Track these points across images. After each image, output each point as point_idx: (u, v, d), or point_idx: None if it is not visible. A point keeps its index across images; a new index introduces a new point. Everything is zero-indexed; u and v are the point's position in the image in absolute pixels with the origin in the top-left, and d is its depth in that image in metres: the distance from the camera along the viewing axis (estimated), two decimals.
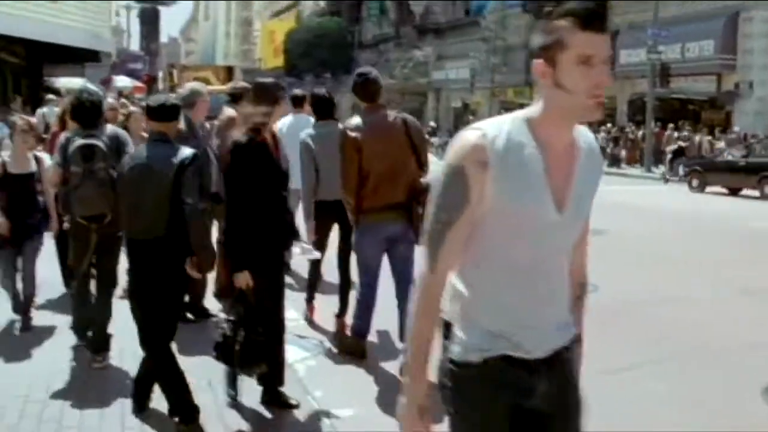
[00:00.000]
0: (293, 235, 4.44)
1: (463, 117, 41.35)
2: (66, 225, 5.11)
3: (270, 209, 3.94)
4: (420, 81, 43.24)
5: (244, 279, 3.80)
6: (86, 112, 4.90)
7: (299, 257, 5.06)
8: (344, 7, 57.81)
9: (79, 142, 4.73)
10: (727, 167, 19.95)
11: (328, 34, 50.54)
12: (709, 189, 20.02)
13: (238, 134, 3.90)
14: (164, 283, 3.83)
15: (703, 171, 20.65)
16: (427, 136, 30.10)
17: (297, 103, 7.59)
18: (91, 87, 7.15)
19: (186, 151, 3.88)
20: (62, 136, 5.23)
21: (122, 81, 33.19)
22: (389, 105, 5.54)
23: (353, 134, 4.73)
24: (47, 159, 5.68)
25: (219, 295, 5.88)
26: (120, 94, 24.97)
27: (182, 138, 4.66)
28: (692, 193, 20.01)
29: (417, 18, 44.63)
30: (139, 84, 36.01)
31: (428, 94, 44.63)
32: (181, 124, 4.80)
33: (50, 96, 18.28)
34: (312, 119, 6.39)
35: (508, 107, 37.63)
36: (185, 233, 3.75)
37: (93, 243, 4.80)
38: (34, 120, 10.52)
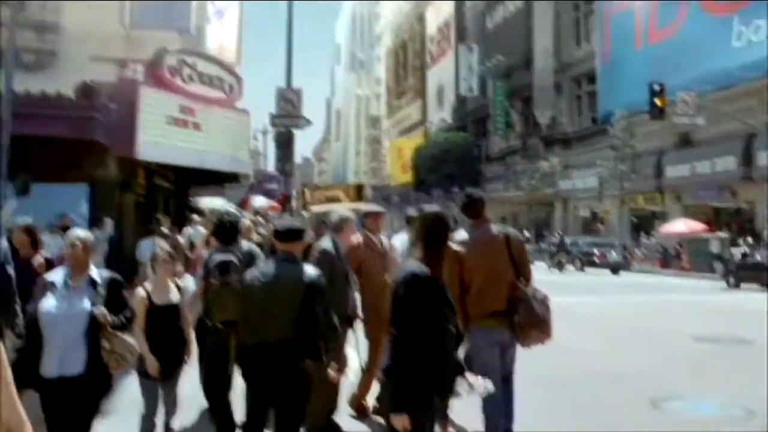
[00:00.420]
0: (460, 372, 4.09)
1: (591, 226, 40.70)
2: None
3: (440, 345, 3.80)
4: (547, 191, 43.11)
5: (401, 421, 3.57)
6: (225, 231, 5.66)
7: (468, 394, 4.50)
8: (470, 121, 59.06)
9: (218, 257, 5.37)
10: None
11: (455, 149, 51.59)
12: None
13: (414, 264, 3.76)
14: (293, 382, 4.19)
15: None
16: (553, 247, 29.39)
17: (412, 222, 8.03)
18: (231, 209, 7.69)
19: (311, 271, 4.39)
20: (205, 253, 5.84)
21: (259, 201, 34.87)
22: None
23: (456, 248, 5.02)
24: (190, 285, 5.78)
25: (356, 410, 6.28)
26: (256, 213, 26.24)
27: (328, 259, 5.33)
28: None
29: (543, 129, 44.94)
30: (274, 203, 37.72)
31: (555, 204, 44.32)
32: (328, 244, 5.58)
33: (195, 216, 19.46)
34: None
35: (638, 214, 36.84)
36: (313, 339, 4.16)
37: (232, 352, 5.03)
38: (180, 239, 11.19)
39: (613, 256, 31.65)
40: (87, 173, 17.64)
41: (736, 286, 22.76)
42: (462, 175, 50.95)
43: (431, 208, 4.28)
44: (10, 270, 5.71)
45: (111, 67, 19.63)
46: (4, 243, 5.88)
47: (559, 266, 31.39)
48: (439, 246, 3.79)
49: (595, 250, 32.38)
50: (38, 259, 6.32)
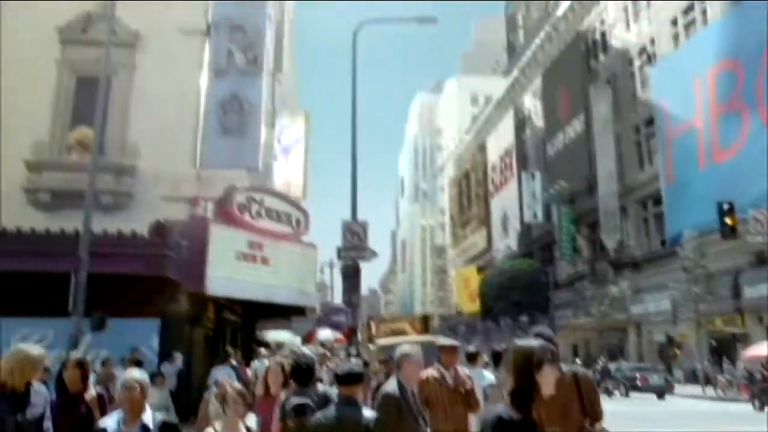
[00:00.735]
0: None
1: (667, 351, 39.20)
2: None
3: None
4: (618, 316, 42.05)
5: None
6: (302, 374, 5.91)
7: None
8: (536, 248, 58.74)
9: (295, 400, 5.60)
10: None
11: (521, 276, 51.15)
12: None
13: (502, 407, 3.61)
14: None
15: None
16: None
17: (471, 358, 8.17)
18: (306, 351, 7.87)
19: (369, 414, 4.62)
20: (283, 394, 6.18)
21: (325, 334, 34.86)
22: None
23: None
24: (253, 424, 5.69)
25: None
26: (322, 345, 26.18)
27: (393, 404, 5.38)
28: None
29: (611, 253, 44.35)
30: (339, 336, 37.62)
31: (628, 329, 43.04)
32: (393, 386, 5.61)
33: (262, 350, 19.52)
34: (486, 373, 6.68)
35: (717, 337, 35.39)
36: None
37: None
38: (248, 372, 11.22)
39: (655, 379, 31.84)
40: (159, 308, 18.00)
41: None
42: (530, 303, 50.24)
43: (524, 341, 4.04)
44: (48, 424, 5.51)
45: (183, 206, 20.35)
46: (43, 389, 5.78)
47: (607, 393, 31.06)
48: (530, 385, 3.55)
49: (638, 375, 32.41)
50: (90, 394, 6.34)
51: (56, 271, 16.06)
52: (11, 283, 16.70)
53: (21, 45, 20.11)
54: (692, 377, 35.33)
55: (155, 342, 18.69)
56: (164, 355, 14.62)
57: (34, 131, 19.68)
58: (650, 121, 41.31)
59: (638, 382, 31.81)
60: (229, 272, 20.38)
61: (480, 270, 68.63)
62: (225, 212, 20.98)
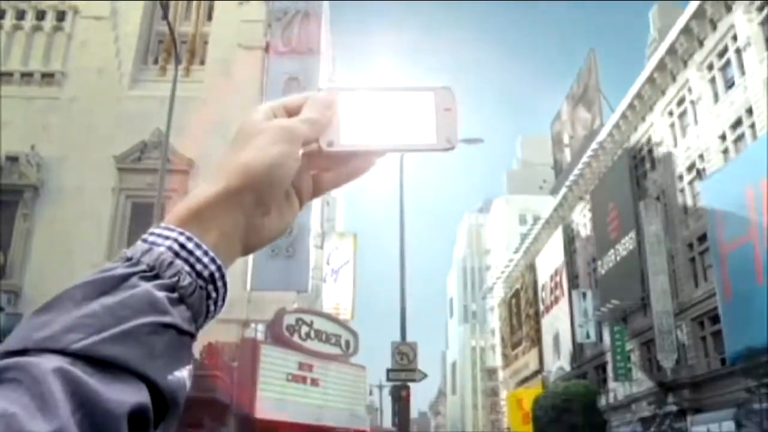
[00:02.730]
0: None
1: None
2: None
3: None
4: None
5: None
6: None
7: None
8: (590, 368, 57.19)
9: None
10: None
11: (577, 398, 49.63)
12: None
13: None
14: None
15: None
16: None
17: None
18: None
19: None
20: None
21: None
22: None
23: None
24: None
25: None
26: None
27: None
28: None
29: (668, 373, 42.98)
30: None
31: None
32: None
33: None
34: None
35: None
36: None
37: None
38: None
39: None
40: (209, 431, 17.91)
41: None
42: (586, 425, 48.47)
43: None
44: None
45: (234, 328, 20.56)
46: None
47: None
48: None
49: None
50: None
51: None
52: None
53: (79, 174, 21.12)
54: None
55: None
56: None
57: (91, 256, 20.36)
58: (703, 237, 40.84)
59: None
60: (278, 394, 20.31)
61: (532, 392, 66.87)
62: (275, 334, 21.12)
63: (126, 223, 21.14)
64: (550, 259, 68.80)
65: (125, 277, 0.65)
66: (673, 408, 41.08)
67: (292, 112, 0.80)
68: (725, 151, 39.93)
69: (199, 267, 0.68)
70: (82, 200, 20.85)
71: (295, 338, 21.80)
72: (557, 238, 66.80)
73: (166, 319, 0.63)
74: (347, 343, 24.07)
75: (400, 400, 20.70)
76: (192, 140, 21.20)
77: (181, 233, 0.69)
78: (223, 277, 0.71)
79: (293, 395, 20.75)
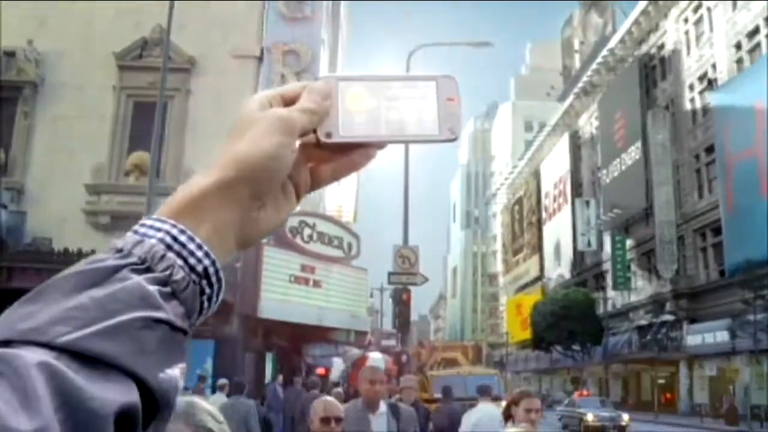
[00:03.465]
0: None
1: (719, 385, 38.03)
2: None
3: None
4: (672, 347, 41.07)
5: None
6: None
7: None
8: (589, 276, 57.87)
9: None
10: None
11: (575, 305, 50.38)
12: None
13: None
14: None
15: None
16: None
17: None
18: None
19: None
20: None
21: (376, 358, 34.75)
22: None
23: None
24: None
25: None
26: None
27: None
28: None
29: (667, 283, 43.44)
30: (391, 361, 37.47)
31: (679, 363, 41.92)
32: None
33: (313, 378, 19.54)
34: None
35: None
36: None
37: None
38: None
39: None
40: (212, 330, 18.24)
41: None
42: (583, 332, 49.41)
43: None
44: None
45: None
46: None
47: None
48: None
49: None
50: None
51: None
52: None
53: (79, 71, 20.74)
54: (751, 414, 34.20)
55: (209, 364, 18.95)
56: (218, 377, 14.76)
57: (93, 155, 20.23)
58: (710, 148, 40.48)
59: None
60: (281, 295, 20.55)
61: (532, 298, 67.89)
62: (278, 235, 21.18)
63: (128, 124, 20.90)
64: (555, 166, 68.61)
65: (116, 269, 0.62)
66: (670, 317, 41.71)
67: (289, 101, 0.78)
68: (739, 61, 39.07)
69: (192, 261, 0.65)
70: (83, 98, 20.56)
71: (298, 240, 21.91)
72: (563, 145, 66.40)
73: (159, 314, 0.61)
74: (349, 245, 24.23)
75: (401, 303, 20.95)
76: (193, 37, 20.73)
77: (174, 225, 0.66)
78: (217, 272, 0.66)
79: (295, 297, 21.00)
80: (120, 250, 0.64)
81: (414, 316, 35.82)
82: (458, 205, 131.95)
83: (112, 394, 0.55)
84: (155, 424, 0.60)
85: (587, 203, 57.84)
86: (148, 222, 0.66)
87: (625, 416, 30.47)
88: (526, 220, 78.97)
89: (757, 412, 31.60)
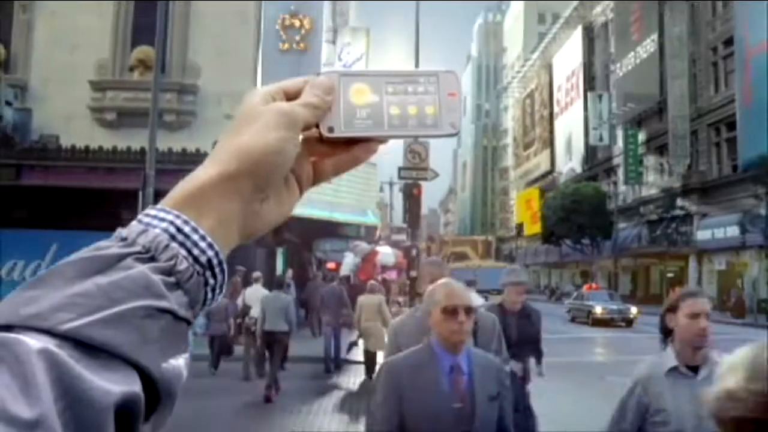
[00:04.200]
0: None
1: (728, 279, 38.42)
2: None
3: None
4: (682, 242, 41.29)
5: None
6: None
7: None
8: (601, 171, 57.64)
9: None
10: None
11: (586, 199, 50.37)
12: None
13: None
14: None
15: None
16: None
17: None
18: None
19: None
20: None
21: (386, 253, 35.09)
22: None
23: None
24: None
25: None
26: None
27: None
28: None
29: (679, 178, 43.24)
30: (401, 255, 37.86)
31: (690, 256, 42.19)
32: None
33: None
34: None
35: None
36: None
37: None
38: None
39: None
40: None
41: None
42: (593, 226, 49.60)
43: None
44: None
45: None
46: None
47: None
48: None
49: None
50: None
51: (124, 188, 16.43)
52: (83, 199, 17.17)
53: None
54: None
55: None
56: (230, 273, 14.96)
57: (97, 51, 19.81)
58: (729, 41, 39.39)
59: None
60: None
61: (542, 192, 67.91)
62: None
63: (130, 17, 20.34)
64: (568, 59, 67.26)
65: (120, 257, 0.62)
66: (680, 212, 41.71)
67: (291, 96, 0.78)
68: None
69: (196, 252, 0.65)
70: None
71: None
72: (576, 38, 64.87)
73: (163, 303, 0.61)
74: None
75: (411, 197, 20.95)
76: None
77: (178, 216, 0.66)
78: (221, 263, 0.67)
79: (305, 192, 21.01)
80: (124, 239, 0.64)
81: (424, 210, 35.93)
82: (469, 99, 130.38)
83: (114, 384, 0.55)
84: (157, 414, 0.60)
85: (600, 97, 56.99)
86: (152, 212, 0.67)
87: (633, 309, 30.91)
88: (538, 114, 78.13)
89: (764, 306, 32.01)
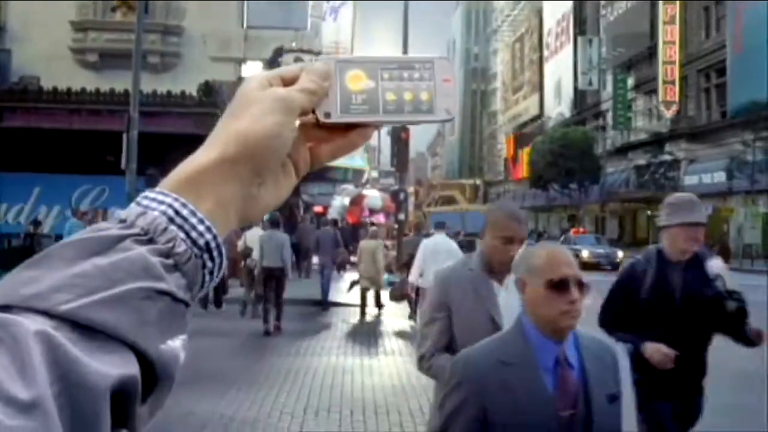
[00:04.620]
0: None
1: (715, 224, 38.70)
2: None
3: None
4: (670, 186, 41.44)
5: None
6: None
7: None
8: (590, 116, 57.47)
9: None
10: None
11: (574, 144, 50.31)
12: None
13: None
14: None
15: None
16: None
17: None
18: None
19: None
20: None
21: (373, 197, 35.08)
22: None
23: None
24: None
25: None
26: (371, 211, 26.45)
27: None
28: None
29: (668, 123, 43.19)
30: (389, 200, 37.89)
31: None
32: None
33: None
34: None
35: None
36: None
37: None
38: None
39: None
40: None
41: None
42: (581, 170, 49.64)
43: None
44: None
45: (231, 67, 20.12)
46: None
47: None
48: None
49: None
50: None
51: (108, 130, 16.23)
52: (67, 142, 16.95)
53: None
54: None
55: None
56: None
57: None
58: None
59: None
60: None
61: (530, 136, 67.77)
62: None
63: None
64: (558, 3, 66.36)
65: (119, 239, 0.62)
66: (668, 157, 41.76)
67: (288, 82, 0.78)
68: None
69: (194, 234, 0.66)
70: None
71: None
72: None
73: (161, 285, 0.61)
74: None
75: (399, 141, 20.86)
76: None
77: (176, 199, 0.67)
78: (219, 246, 0.68)
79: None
80: (123, 221, 0.65)
81: (411, 154, 35.81)
82: (458, 42, 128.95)
83: (110, 367, 0.55)
84: (155, 396, 0.60)
85: (590, 41, 56.49)
86: (151, 194, 0.67)
87: (620, 253, 31.13)
88: (527, 58, 77.44)
89: (748, 251, 32.31)
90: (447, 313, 3.28)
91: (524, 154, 65.87)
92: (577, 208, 54.12)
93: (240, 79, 20.20)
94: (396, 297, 13.76)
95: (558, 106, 65.49)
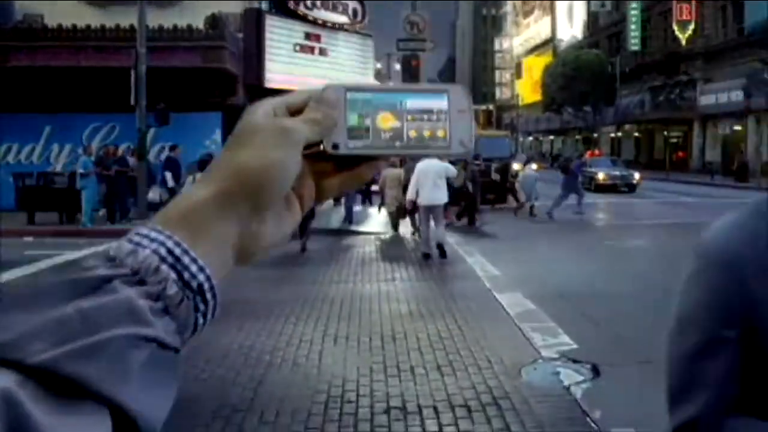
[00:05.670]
0: None
1: (730, 145, 38.30)
2: None
3: None
4: (685, 108, 40.91)
5: None
6: None
7: None
8: (603, 38, 56.42)
9: None
10: None
11: (587, 67, 49.54)
12: None
13: None
14: None
15: None
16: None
17: None
18: None
19: None
20: None
21: None
22: None
23: None
24: None
25: None
26: None
27: None
28: None
29: (683, 43, 42.34)
30: None
31: (694, 122, 41.88)
32: None
33: None
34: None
35: None
36: None
37: None
38: None
39: None
40: (219, 102, 18.10)
41: None
42: (595, 94, 49.03)
43: None
44: None
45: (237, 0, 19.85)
46: None
47: None
48: None
49: None
50: None
51: (116, 67, 16.09)
52: (75, 80, 16.85)
53: None
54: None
55: (218, 135, 19.07)
56: None
57: None
58: None
59: None
60: (287, 64, 20.14)
61: (543, 60, 66.77)
62: (280, 3, 20.39)
63: None
64: None
65: (106, 280, 0.58)
66: (684, 78, 41.09)
67: (294, 110, 0.72)
68: None
69: (186, 275, 0.62)
70: None
71: (301, 7, 21.09)
72: None
73: (147, 331, 0.57)
74: (354, 11, 23.36)
75: (411, 68, 20.65)
76: None
77: (169, 237, 0.63)
78: (212, 288, 0.64)
79: (302, 66, 20.58)
80: (113, 258, 0.61)
81: (422, 81, 35.36)
82: None
83: (76, 430, 0.52)
84: None
85: None
86: (143, 231, 0.63)
87: (636, 174, 30.94)
88: None
89: (767, 169, 32.07)
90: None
91: (534, 77, 65.00)
92: (592, 130, 53.66)
93: (246, 12, 19.91)
94: (401, 214, 15.58)
95: (571, 29, 64.35)
